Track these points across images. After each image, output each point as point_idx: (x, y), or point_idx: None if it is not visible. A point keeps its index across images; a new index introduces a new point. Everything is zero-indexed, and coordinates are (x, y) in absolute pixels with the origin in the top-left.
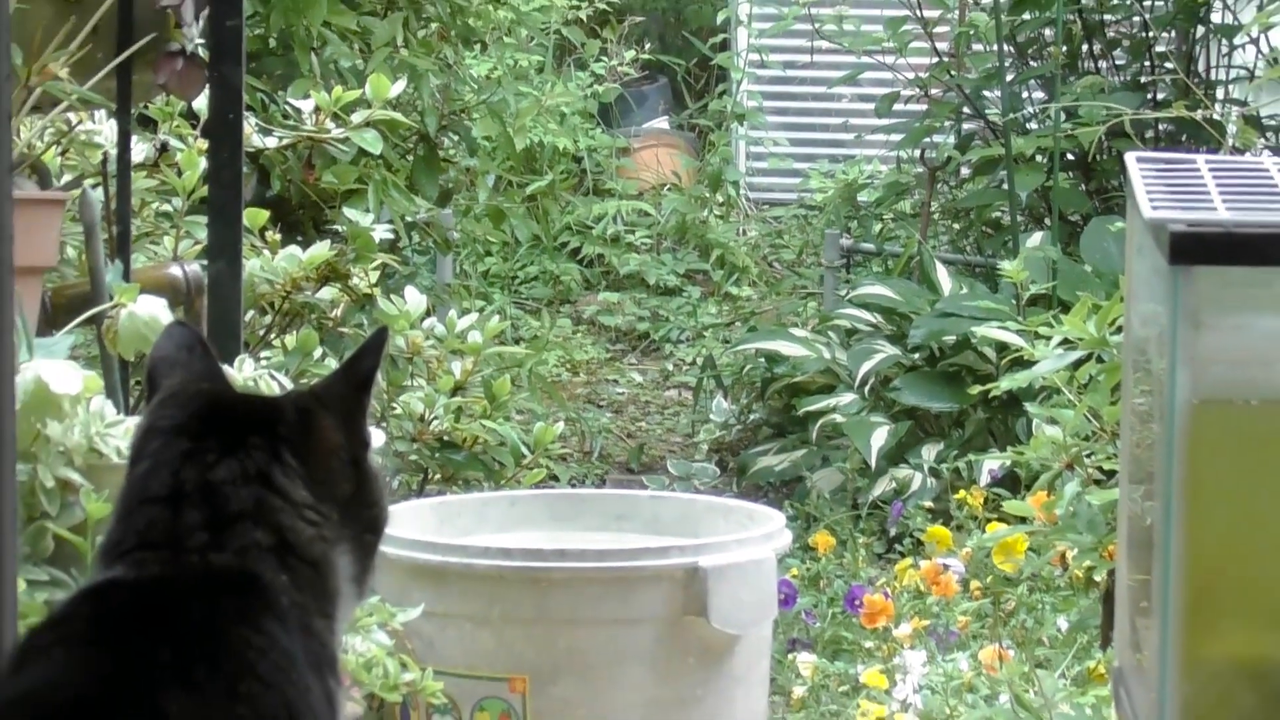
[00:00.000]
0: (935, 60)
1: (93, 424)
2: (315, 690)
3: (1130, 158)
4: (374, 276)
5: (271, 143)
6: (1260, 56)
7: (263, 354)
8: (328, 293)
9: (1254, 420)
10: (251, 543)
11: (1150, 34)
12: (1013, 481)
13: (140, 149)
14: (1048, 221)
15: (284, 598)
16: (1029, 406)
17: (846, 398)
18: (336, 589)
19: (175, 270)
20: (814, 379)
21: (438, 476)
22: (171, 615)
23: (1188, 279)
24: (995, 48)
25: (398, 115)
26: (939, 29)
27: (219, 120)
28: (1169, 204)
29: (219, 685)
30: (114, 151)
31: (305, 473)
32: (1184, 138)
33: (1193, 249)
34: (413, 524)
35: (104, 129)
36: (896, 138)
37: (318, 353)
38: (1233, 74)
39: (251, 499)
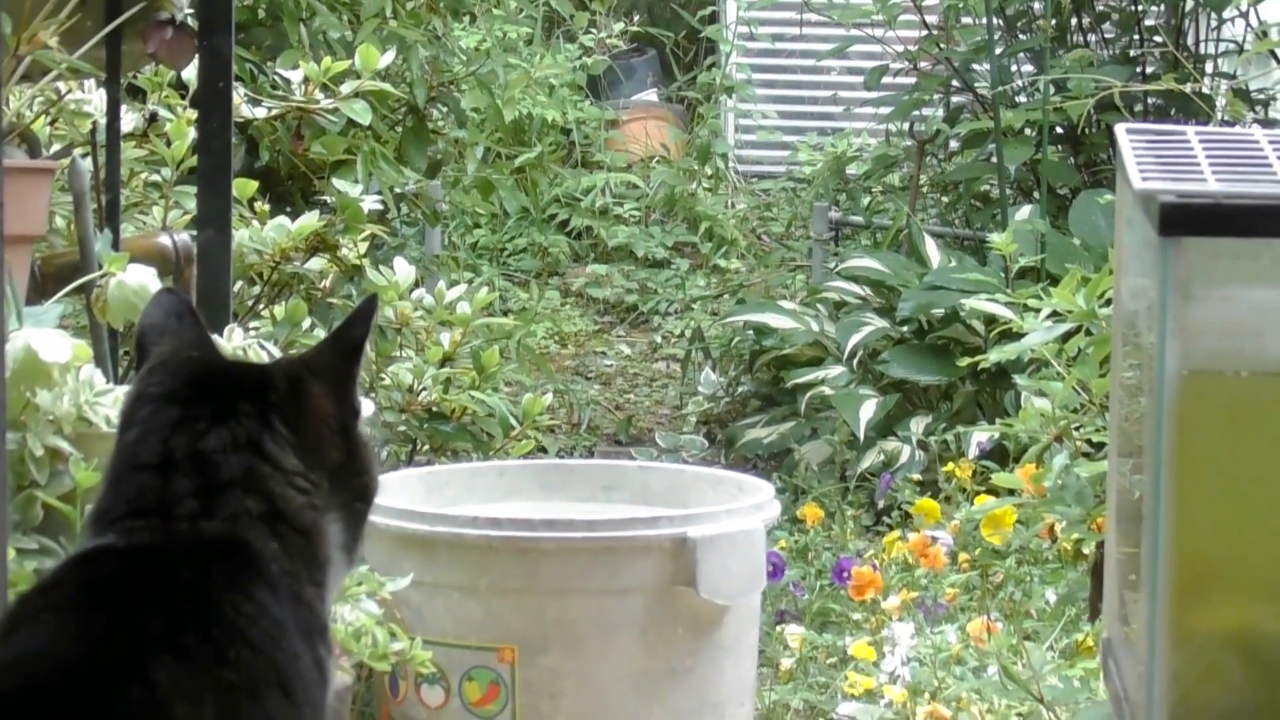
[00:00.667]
0: (924, 33)
1: (82, 392)
2: (305, 658)
3: (1120, 129)
4: (363, 247)
5: (260, 113)
6: (1249, 30)
7: (251, 324)
8: (316, 263)
9: (1243, 391)
10: (242, 510)
11: (1139, 7)
12: (1001, 454)
13: (129, 119)
14: (1036, 195)
15: (274, 565)
16: (1017, 379)
17: (835, 370)
18: (327, 557)
19: (164, 239)
20: (802, 351)
21: (426, 447)
22: (161, 582)
23: (1177, 250)
24: (984, 21)
25: (387, 86)
26: (928, 2)
27: (209, 89)
28: (1159, 175)
29: (209, 652)
30: (103, 121)
31: (295, 440)
32: (1173, 111)
33: (1182, 220)
34: (401, 493)
35: (93, 98)
36: (885, 111)
37: (306, 323)
38: (1222, 48)
39: (242, 467)
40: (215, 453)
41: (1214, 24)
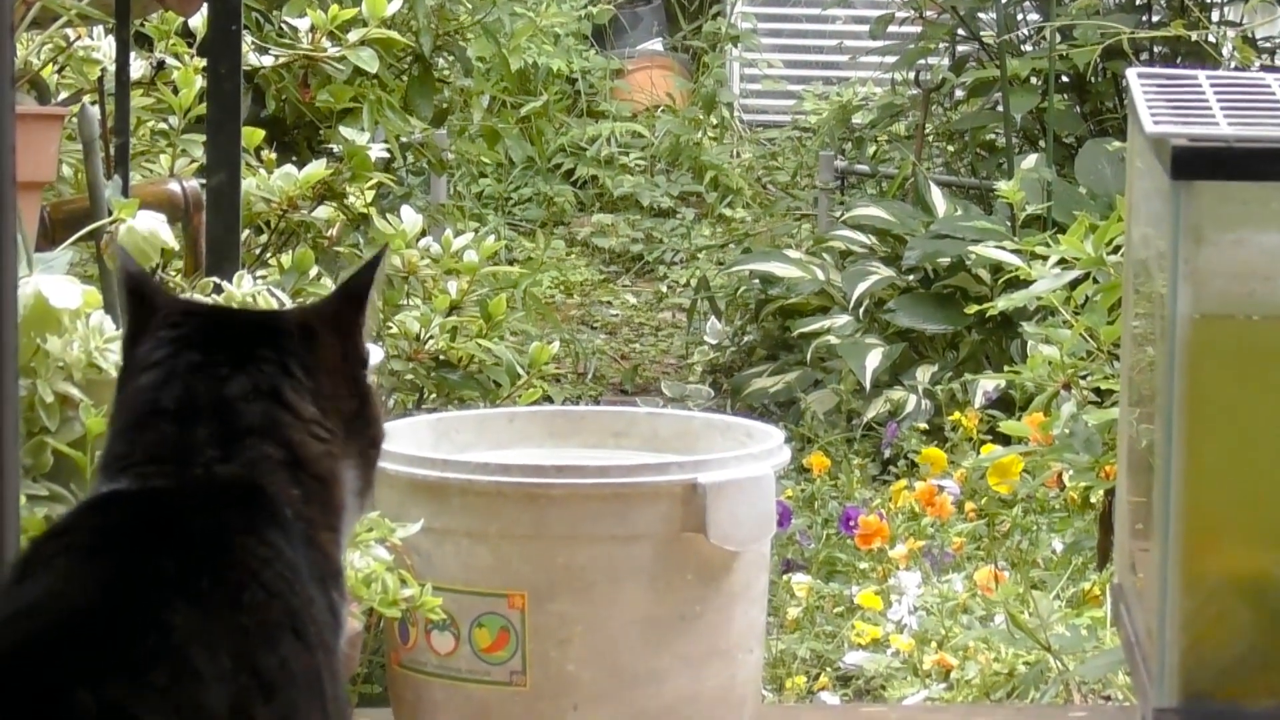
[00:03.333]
0: None
1: (92, 339)
2: (318, 602)
3: (1132, 73)
4: (369, 196)
5: (267, 61)
6: None
7: (259, 272)
8: (323, 211)
9: (1254, 335)
10: (261, 456)
11: None
12: (1007, 403)
13: (137, 66)
14: (1042, 143)
15: (288, 509)
16: (1024, 327)
17: (841, 319)
18: (343, 503)
19: (174, 186)
20: (808, 300)
21: (433, 396)
22: (175, 526)
23: (1189, 194)
24: None
25: (393, 34)
26: None
27: (218, 34)
28: (1171, 119)
29: (223, 595)
30: (112, 68)
31: (312, 388)
32: (1179, 59)
33: (1194, 163)
34: (410, 440)
35: (102, 45)
36: (891, 59)
37: (313, 271)
38: None
39: (263, 414)
40: (237, 400)
41: None
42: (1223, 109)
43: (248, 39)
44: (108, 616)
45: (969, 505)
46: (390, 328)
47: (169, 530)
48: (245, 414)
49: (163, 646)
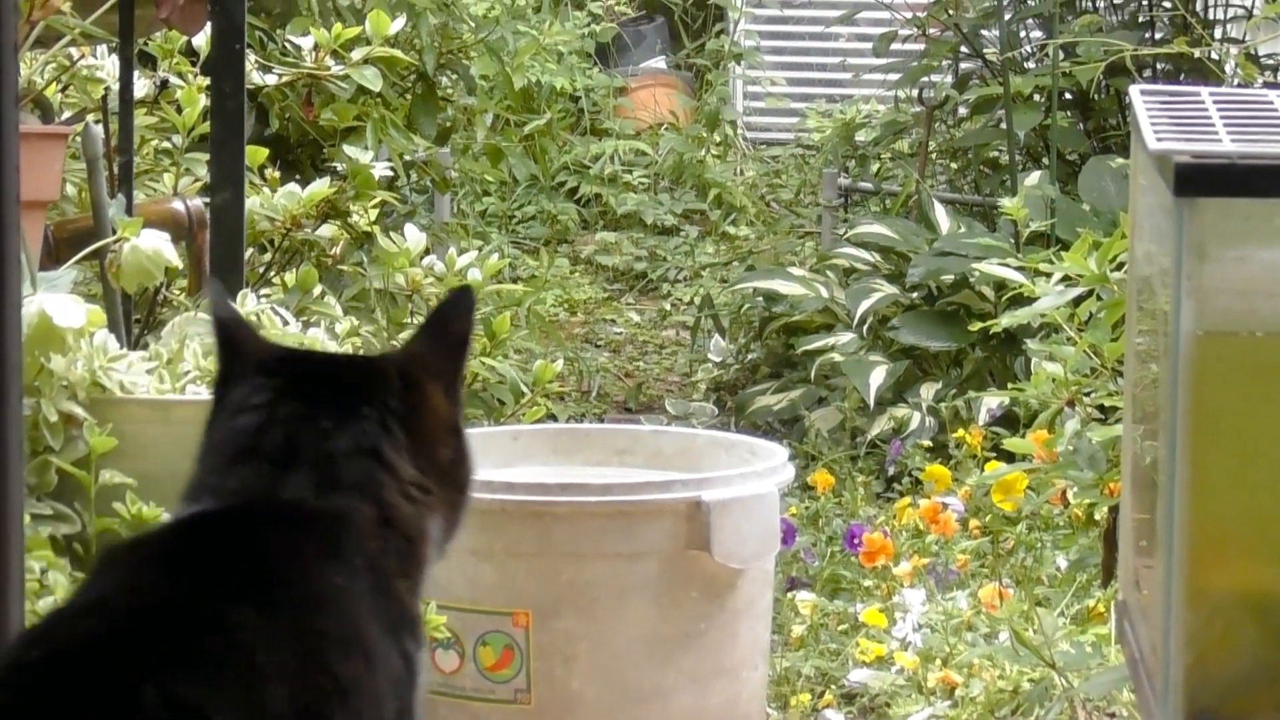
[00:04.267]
0: None
1: (96, 358)
2: (386, 652)
3: (1135, 90)
4: (373, 214)
5: (271, 80)
6: None
7: (263, 291)
8: (327, 230)
9: (1258, 352)
10: (353, 509)
11: None
12: (1011, 420)
13: (140, 86)
14: (1045, 160)
15: (359, 559)
16: (1028, 344)
17: (845, 337)
18: (425, 557)
19: (177, 205)
20: (812, 318)
21: None
22: (254, 543)
23: (1192, 210)
24: None
25: (397, 53)
26: None
27: (222, 52)
28: (1174, 136)
29: (293, 611)
30: (116, 87)
31: (410, 444)
32: (1182, 76)
33: (1197, 180)
34: None
35: (105, 64)
36: (894, 77)
37: (317, 290)
38: (1231, 12)
39: (362, 472)
40: (339, 456)
41: None
42: (1226, 126)
43: (251, 58)
44: (176, 615)
45: (973, 522)
46: (394, 345)
47: (247, 545)
48: (345, 470)
49: (229, 645)
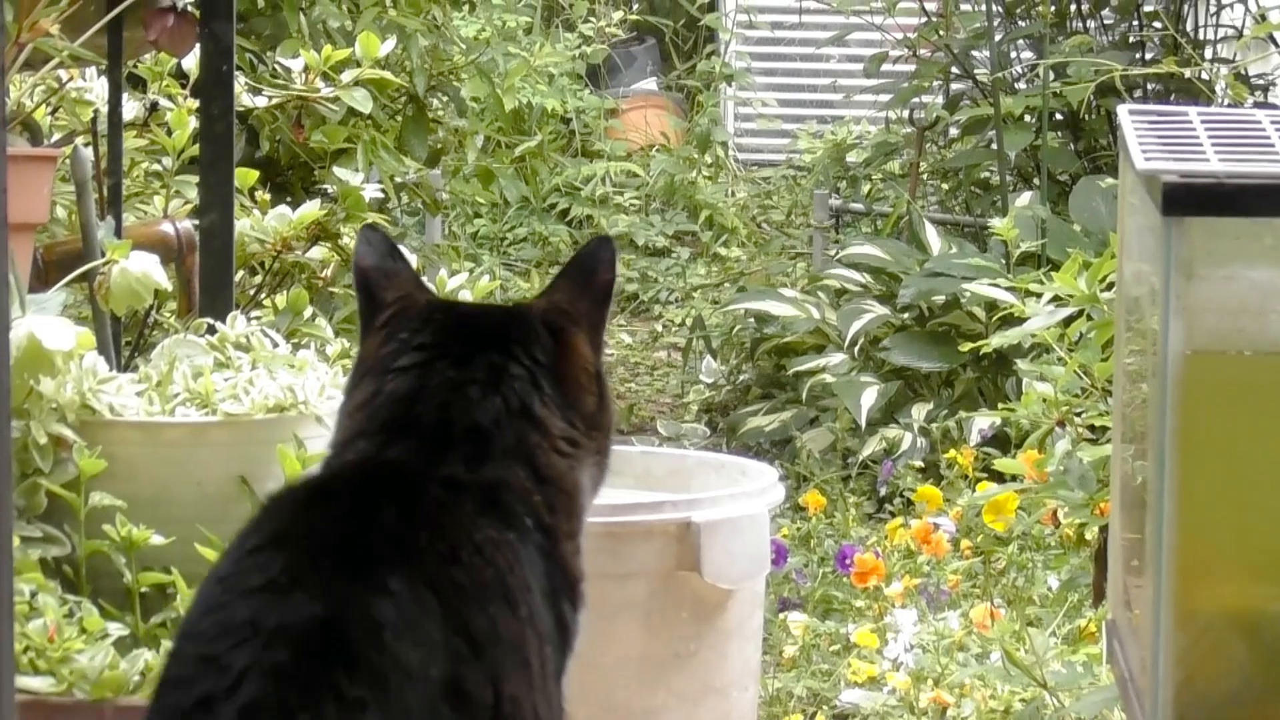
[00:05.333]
0: (923, 20)
1: (85, 380)
2: (545, 614)
3: (1123, 110)
4: None
5: (261, 102)
6: (1248, 14)
7: (253, 313)
8: (318, 252)
9: (1246, 371)
10: (512, 476)
11: None
12: (1002, 441)
13: (130, 108)
14: (1036, 181)
15: (529, 519)
16: (1019, 364)
17: (836, 358)
18: (584, 507)
19: (167, 227)
20: (803, 339)
21: None
22: (411, 491)
23: (1180, 230)
24: (983, 7)
25: (387, 75)
26: None
27: (210, 74)
28: (1162, 156)
29: (440, 551)
30: (105, 109)
31: (559, 397)
32: (1172, 97)
33: (1185, 200)
34: None
35: (94, 86)
36: (885, 98)
37: (308, 312)
38: (1221, 33)
39: (514, 438)
40: (490, 426)
41: (1213, 9)
42: (1214, 145)
43: (241, 80)
44: (322, 563)
45: (964, 543)
46: None
47: (405, 492)
48: (496, 440)
49: (375, 623)
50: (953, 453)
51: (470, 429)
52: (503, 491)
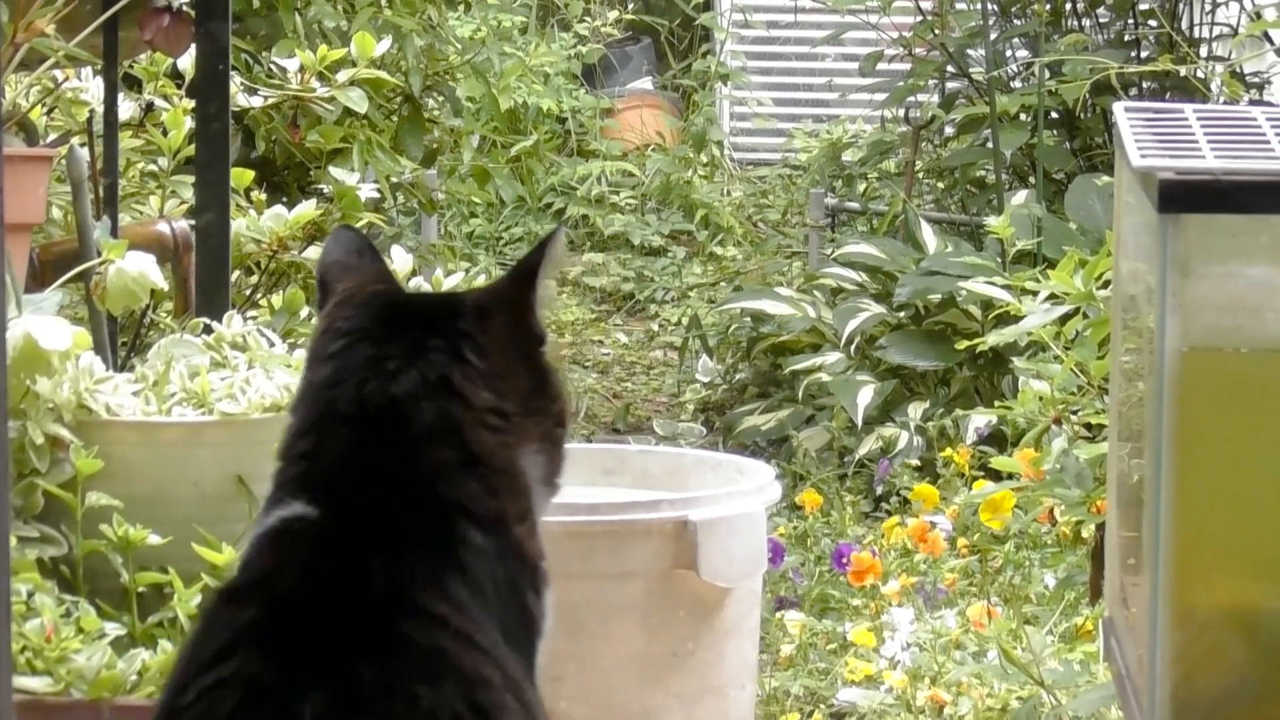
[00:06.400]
0: (919, 19)
1: (81, 380)
2: (509, 658)
3: (1119, 107)
4: None
5: (257, 102)
6: (1243, 12)
7: (249, 313)
8: (314, 252)
9: (1243, 368)
10: (439, 462)
11: None
12: (999, 439)
13: (125, 108)
14: (1032, 179)
15: (478, 531)
16: (1015, 362)
17: (832, 356)
18: (527, 488)
19: (163, 227)
20: (800, 338)
21: None
22: (350, 600)
23: (1176, 227)
24: (979, 6)
25: (382, 74)
26: None
27: (206, 74)
28: (1157, 153)
29: (380, 688)
30: (100, 109)
31: (486, 369)
32: (1168, 95)
33: (1181, 197)
34: None
35: (90, 87)
36: (880, 97)
37: (304, 312)
38: (1216, 31)
39: (434, 411)
40: (409, 400)
41: (1208, 7)
42: (1209, 142)
43: (237, 80)
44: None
45: (961, 541)
46: None
47: (344, 602)
48: (417, 415)
49: None
50: (949, 451)
51: (387, 404)
52: (446, 510)
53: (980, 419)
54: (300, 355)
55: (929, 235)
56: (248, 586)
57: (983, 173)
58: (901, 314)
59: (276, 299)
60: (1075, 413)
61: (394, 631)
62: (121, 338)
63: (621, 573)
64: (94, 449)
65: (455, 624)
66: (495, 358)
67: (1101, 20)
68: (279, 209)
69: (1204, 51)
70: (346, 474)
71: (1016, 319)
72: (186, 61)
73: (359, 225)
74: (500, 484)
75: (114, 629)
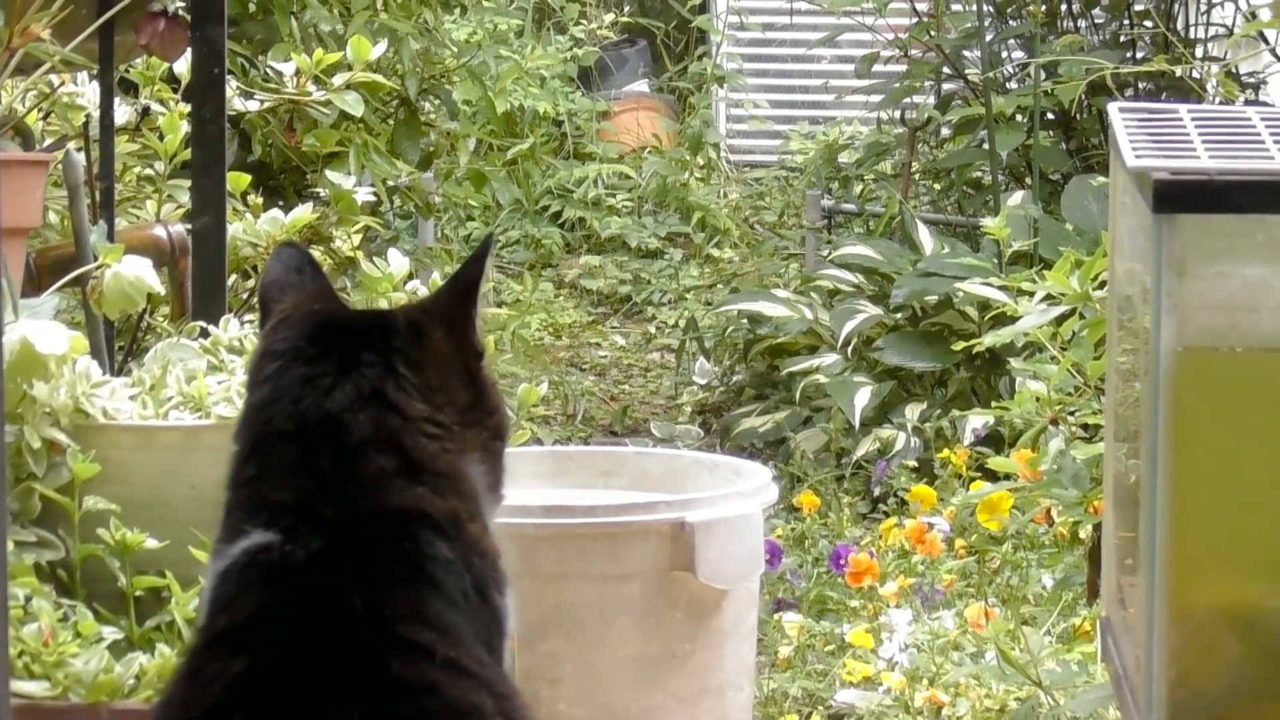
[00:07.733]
0: (915, 20)
1: (79, 384)
2: (483, 656)
3: (1113, 108)
4: (356, 239)
5: (253, 106)
6: (1238, 12)
7: (246, 317)
8: None
9: (1238, 367)
10: (379, 471)
11: None
12: (996, 440)
13: (122, 112)
14: (1028, 180)
15: (442, 544)
16: (1012, 362)
17: (829, 358)
18: (475, 491)
19: (159, 231)
20: (796, 340)
21: None
22: (330, 639)
23: (1172, 227)
24: (974, 7)
25: (378, 78)
26: None
27: (202, 77)
28: (1152, 153)
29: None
30: (97, 113)
31: (420, 382)
32: (1164, 95)
33: (1176, 197)
34: None
35: (86, 91)
36: (876, 98)
37: None
38: (1211, 32)
39: (370, 422)
40: (344, 413)
41: (1203, 7)
42: (1204, 143)
43: (233, 84)
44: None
45: (959, 542)
46: None
47: (331, 646)
48: (354, 427)
49: None
50: (946, 452)
51: (323, 419)
52: (404, 525)
53: (977, 420)
54: None
55: (925, 236)
56: (233, 630)
57: (979, 174)
58: (898, 315)
59: None
60: (1072, 413)
61: (384, 672)
62: (118, 342)
63: (619, 574)
64: (91, 453)
65: (441, 652)
66: (430, 372)
67: (1097, 21)
68: (275, 213)
69: (1199, 52)
70: (295, 492)
71: (1013, 320)
72: (182, 66)
73: (355, 229)
74: (446, 486)
75: (112, 633)
